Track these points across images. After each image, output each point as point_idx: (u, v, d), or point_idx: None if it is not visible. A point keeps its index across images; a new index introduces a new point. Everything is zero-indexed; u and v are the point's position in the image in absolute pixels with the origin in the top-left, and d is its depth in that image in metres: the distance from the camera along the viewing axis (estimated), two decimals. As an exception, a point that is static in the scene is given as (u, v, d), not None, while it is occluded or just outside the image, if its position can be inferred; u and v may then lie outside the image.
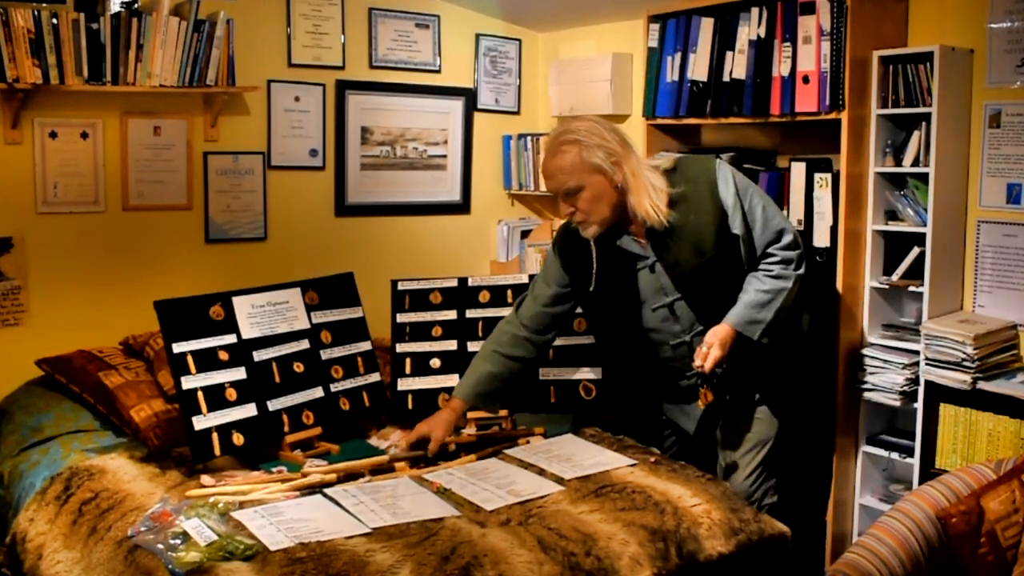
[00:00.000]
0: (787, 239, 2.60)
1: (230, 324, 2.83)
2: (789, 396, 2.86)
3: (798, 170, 3.18)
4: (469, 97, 4.44)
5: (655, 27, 3.58)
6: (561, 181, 2.52)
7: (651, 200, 2.50)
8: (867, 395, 3.11)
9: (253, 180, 3.91)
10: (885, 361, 3.06)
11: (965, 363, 2.80)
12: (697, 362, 2.54)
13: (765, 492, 2.79)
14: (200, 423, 2.65)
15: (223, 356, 2.77)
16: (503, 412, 3.02)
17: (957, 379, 2.83)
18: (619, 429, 3.00)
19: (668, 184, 2.54)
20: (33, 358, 3.31)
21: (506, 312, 3.09)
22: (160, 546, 2.12)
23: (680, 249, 2.57)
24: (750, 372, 2.72)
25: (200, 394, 2.68)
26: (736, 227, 2.57)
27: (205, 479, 2.56)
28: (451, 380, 3.06)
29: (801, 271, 2.61)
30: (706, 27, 3.38)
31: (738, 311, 2.58)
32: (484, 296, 3.16)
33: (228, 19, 3.60)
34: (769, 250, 2.60)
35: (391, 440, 2.95)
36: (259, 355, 2.85)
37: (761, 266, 2.62)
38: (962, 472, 2.43)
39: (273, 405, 2.82)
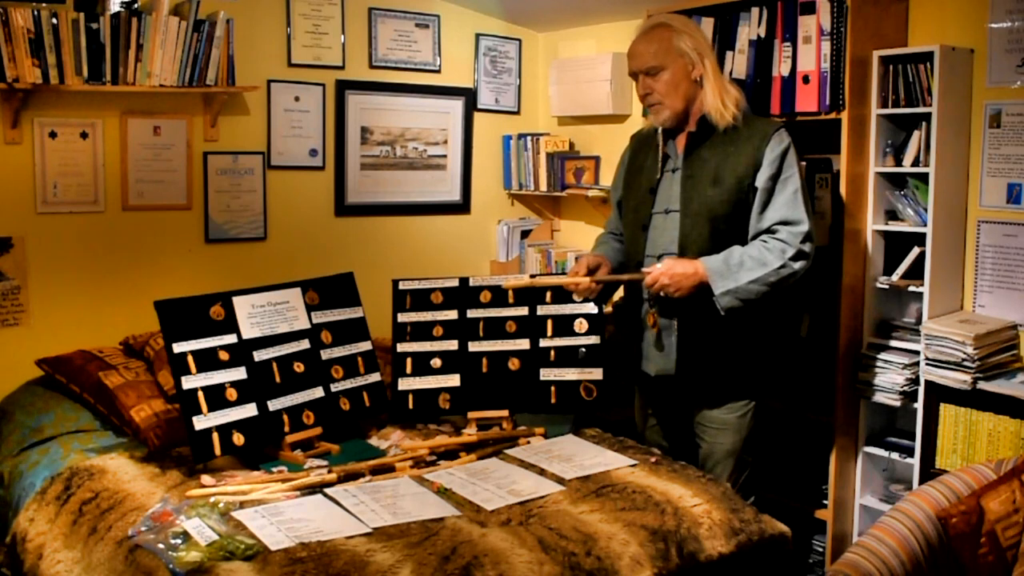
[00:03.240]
0: (799, 228, 2.56)
1: (230, 324, 2.83)
2: (762, 395, 2.81)
3: (798, 170, 3.18)
4: (469, 97, 4.44)
5: (655, 27, 3.58)
6: (644, 60, 2.68)
7: (723, 99, 2.64)
8: (867, 395, 3.11)
9: (253, 180, 3.91)
10: (885, 361, 3.06)
11: (965, 363, 2.80)
12: (645, 269, 2.62)
13: None
14: (200, 423, 2.65)
15: (223, 356, 2.77)
16: (503, 412, 3.02)
17: (957, 379, 2.83)
18: (618, 431, 3.00)
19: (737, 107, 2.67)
20: (33, 358, 3.31)
21: (506, 311, 3.09)
22: (161, 546, 2.12)
23: (704, 169, 2.64)
24: (708, 345, 2.67)
25: (200, 394, 2.68)
26: (761, 181, 2.59)
27: (205, 479, 2.56)
28: (452, 380, 3.07)
29: (796, 265, 2.55)
30: (706, 27, 3.37)
31: (715, 260, 2.57)
32: (485, 296, 3.16)
33: (228, 19, 3.60)
34: (778, 227, 2.58)
35: (391, 440, 2.95)
36: (259, 355, 2.85)
37: (760, 238, 2.61)
38: (962, 472, 2.42)
39: (273, 405, 2.82)
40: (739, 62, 3.29)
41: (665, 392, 2.85)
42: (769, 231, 2.60)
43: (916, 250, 3.01)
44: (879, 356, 3.07)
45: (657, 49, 2.65)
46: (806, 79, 3.09)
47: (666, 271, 2.56)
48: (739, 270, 2.55)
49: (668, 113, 2.68)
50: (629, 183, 2.88)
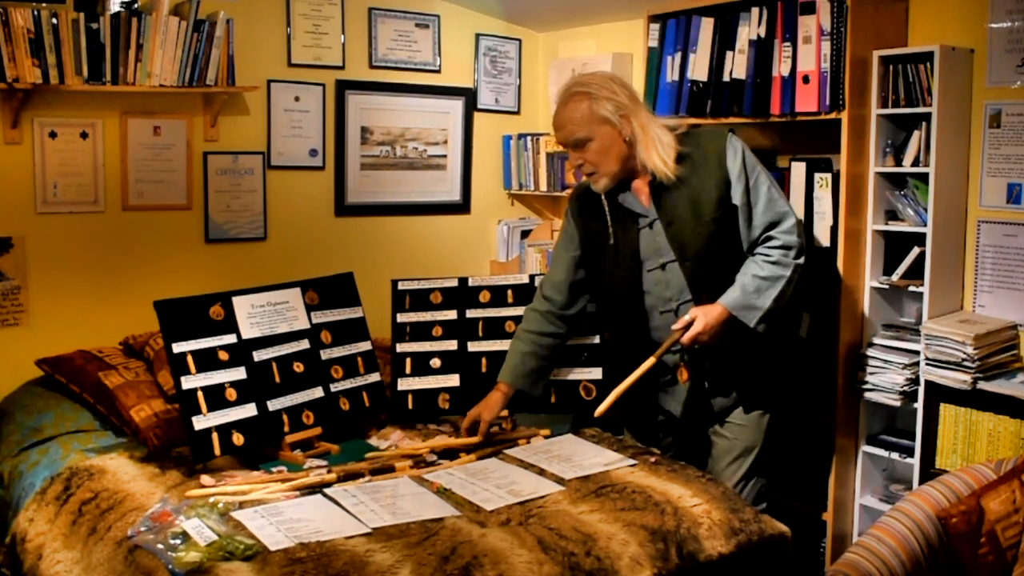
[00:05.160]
0: (789, 223, 2.59)
1: (230, 324, 2.83)
2: (781, 401, 2.82)
3: (798, 170, 3.18)
4: (469, 97, 4.45)
5: (655, 27, 3.58)
6: (570, 132, 2.60)
7: (659, 153, 2.56)
8: (867, 395, 3.11)
9: (253, 180, 3.91)
10: (885, 361, 3.06)
11: (965, 363, 2.80)
12: (677, 325, 2.56)
13: (752, 503, 2.77)
14: (200, 423, 2.65)
15: (223, 356, 2.77)
16: (503, 412, 3.02)
17: (957, 379, 2.83)
18: (619, 430, 3.00)
19: (677, 144, 2.59)
20: (33, 358, 3.31)
21: (506, 311, 3.09)
22: (160, 546, 2.12)
23: (679, 208, 2.59)
24: (735, 370, 2.69)
25: (200, 394, 2.68)
26: (737, 198, 2.57)
27: (205, 479, 2.56)
28: (451, 380, 3.07)
29: (801, 260, 2.59)
30: (706, 27, 3.38)
31: (734, 295, 2.57)
32: (484, 296, 3.16)
33: (228, 19, 3.60)
34: (770, 233, 2.59)
35: (391, 440, 2.95)
36: (259, 355, 2.85)
37: (760, 250, 2.61)
38: (962, 472, 2.42)
39: (273, 405, 2.81)
40: (739, 62, 3.29)
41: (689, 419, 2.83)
42: (764, 238, 2.60)
43: (916, 250, 3.01)
44: (879, 356, 3.07)
45: (580, 119, 2.56)
46: (806, 79, 3.09)
47: (704, 330, 2.53)
48: (758, 297, 2.55)
49: (606, 180, 2.61)
50: (592, 243, 2.76)
